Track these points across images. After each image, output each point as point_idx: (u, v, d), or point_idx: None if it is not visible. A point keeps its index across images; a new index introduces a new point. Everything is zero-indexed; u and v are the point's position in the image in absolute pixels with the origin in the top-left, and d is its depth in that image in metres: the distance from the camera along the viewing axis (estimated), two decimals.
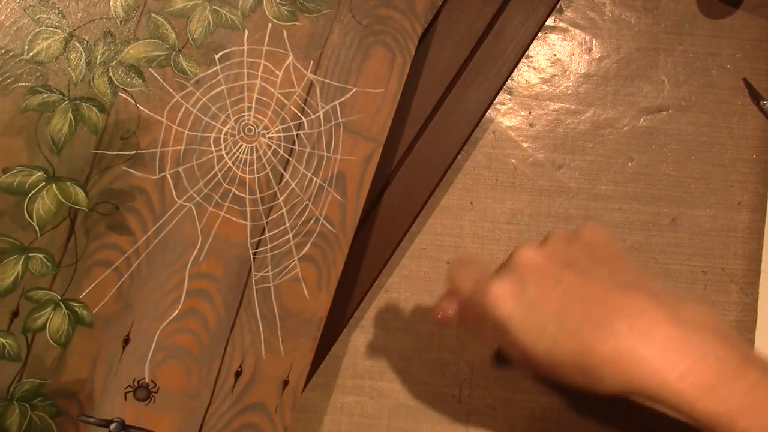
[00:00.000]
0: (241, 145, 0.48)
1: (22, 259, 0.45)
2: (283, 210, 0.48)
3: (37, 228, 0.45)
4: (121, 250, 0.46)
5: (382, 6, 0.49)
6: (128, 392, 0.47)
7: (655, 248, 0.55)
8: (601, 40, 0.56)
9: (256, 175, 0.48)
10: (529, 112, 0.56)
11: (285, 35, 0.48)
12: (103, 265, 0.46)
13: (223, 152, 0.47)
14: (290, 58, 0.48)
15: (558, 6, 0.55)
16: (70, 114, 0.45)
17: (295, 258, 0.48)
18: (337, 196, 0.49)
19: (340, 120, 0.49)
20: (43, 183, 0.45)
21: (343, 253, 0.49)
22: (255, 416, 0.48)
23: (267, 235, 0.48)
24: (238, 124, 0.48)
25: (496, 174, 0.55)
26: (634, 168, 0.55)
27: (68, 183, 0.45)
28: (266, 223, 0.48)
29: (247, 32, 0.47)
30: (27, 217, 0.45)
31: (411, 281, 0.56)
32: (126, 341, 0.47)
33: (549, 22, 0.56)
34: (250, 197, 0.48)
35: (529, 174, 0.55)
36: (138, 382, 0.47)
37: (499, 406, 0.54)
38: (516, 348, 0.33)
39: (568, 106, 0.56)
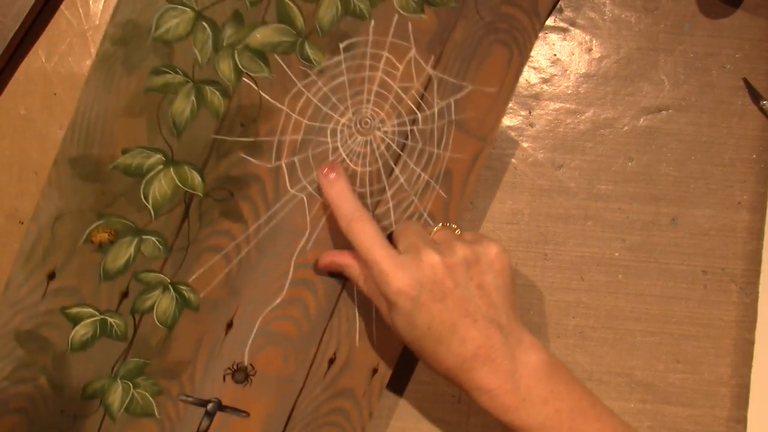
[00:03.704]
0: (356, 138, 0.51)
1: (135, 241, 0.48)
2: (390, 204, 0.52)
3: (152, 211, 0.48)
4: (232, 237, 0.50)
5: (506, 4, 0.51)
6: (227, 374, 0.51)
7: (655, 248, 0.58)
8: (601, 40, 0.59)
9: (367, 168, 0.51)
10: (529, 112, 0.58)
11: (410, 28, 0.50)
12: (213, 250, 0.49)
13: (339, 144, 0.50)
14: (413, 52, 0.51)
15: (558, 6, 0.58)
16: (193, 97, 0.47)
17: None
18: (442, 193, 0.53)
19: (453, 117, 0.52)
20: (161, 166, 0.47)
21: None
22: (344, 401, 0.54)
23: None
24: (355, 116, 0.50)
25: (496, 174, 0.58)
26: (634, 168, 0.58)
27: (186, 167, 0.48)
28: (373, 216, 0.52)
29: (373, 22, 0.50)
30: (143, 200, 0.47)
31: None
32: (229, 326, 0.51)
33: (549, 22, 0.59)
34: (360, 190, 0.51)
35: (529, 174, 0.58)
36: (237, 365, 0.51)
37: None
38: (390, 321, 0.46)
39: (568, 106, 0.58)
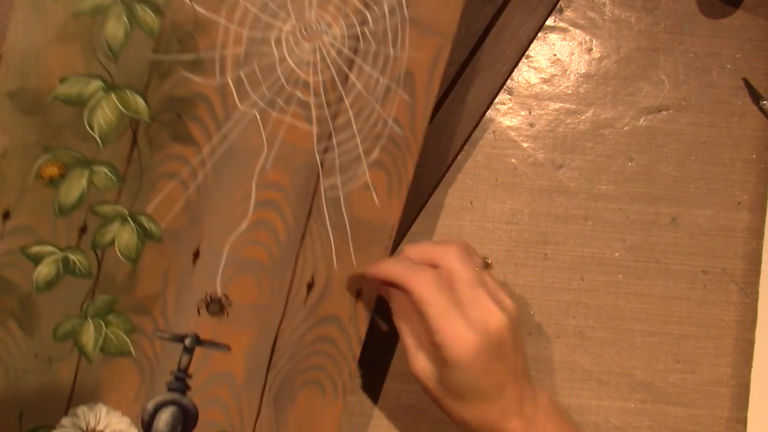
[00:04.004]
0: (303, 46, 0.49)
1: (87, 173, 0.47)
2: (350, 113, 0.50)
3: (99, 140, 0.47)
4: (185, 161, 0.48)
5: None
6: (201, 307, 0.50)
7: (655, 248, 0.59)
8: (601, 40, 0.59)
9: (320, 77, 0.49)
10: (529, 112, 0.59)
11: None
12: (168, 177, 0.48)
13: (285, 53, 0.49)
14: None
15: (558, 6, 0.59)
16: (125, 17, 0.46)
17: (364, 164, 0.50)
18: (406, 97, 0.50)
19: (405, 14, 0.49)
20: (102, 92, 0.47)
21: (413, 158, 0.51)
22: (329, 328, 0.51)
23: (334, 140, 0.50)
24: (299, 22, 0.48)
25: (496, 174, 0.59)
26: (634, 168, 0.59)
27: (127, 91, 0.47)
28: (333, 128, 0.50)
29: None
30: (88, 129, 0.47)
31: None
32: (196, 255, 0.49)
33: (549, 22, 0.59)
34: (315, 101, 0.49)
35: (529, 174, 0.59)
36: (210, 296, 0.50)
37: None
38: (434, 377, 0.46)
39: (568, 106, 0.59)
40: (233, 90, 0.48)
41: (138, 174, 0.48)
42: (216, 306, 0.50)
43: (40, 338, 0.48)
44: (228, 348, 0.50)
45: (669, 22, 0.59)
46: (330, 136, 0.50)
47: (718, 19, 0.59)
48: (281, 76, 0.49)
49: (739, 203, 0.59)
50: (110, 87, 0.47)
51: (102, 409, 0.49)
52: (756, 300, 0.58)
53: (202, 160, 0.49)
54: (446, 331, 0.43)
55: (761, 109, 0.58)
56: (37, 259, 0.47)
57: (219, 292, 0.50)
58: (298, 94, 0.49)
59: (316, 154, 0.50)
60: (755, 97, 0.58)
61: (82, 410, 0.49)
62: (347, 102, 0.50)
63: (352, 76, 0.50)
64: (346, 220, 0.51)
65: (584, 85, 0.59)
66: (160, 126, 0.48)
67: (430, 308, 0.43)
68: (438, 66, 0.50)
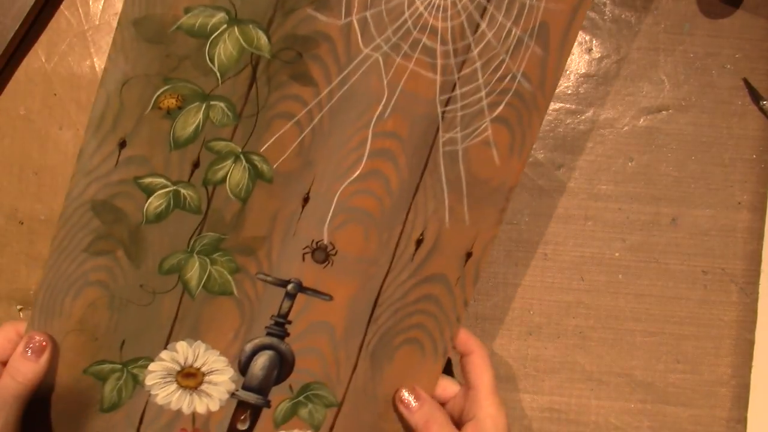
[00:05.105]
0: None
1: (204, 107, 0.47)
2: (477, 64, 0.47)
3: (218, 74, 0.46)
4: (303, 102, 0.47)
5: None
6: (306, 253, 0.49)
7: (655, 248, 0.59)
8: (601, 40, 0.59)
9: (449, 23, 0.47)
10: None
11: None
12: (284, 117, 0.47)
13: None
14: None
15: None
16: None
17: (487, 119, 0.48)
18: (538, 50, 0.47)
19: None
20: (225, 25, 0.46)
21: (540, 116, 0.49)
22: (435, 287, 0.50)
23: (458, 91, 0.48)
24: None
25: None
26: (634, 168, 0.59)
27: (250, 26, 0.46)
28: (458, 78, 0.48)
29: None
30: (208, 62, 0.46)
31: None
32: (306, 200, 0.49)
33: None
34: (442, 48, 0.47)
35: (529, 174, 0.59)
36: (316, 243, 0.49)
37: None
38: None
39: (568, 106, 0.59)
40: (358, 31, 0.47)
41: (254, 112, 0.47)
42: (321, 254, 0.49)
43: (146, 270, 0.48)
44: (330, 297, 0.50)
45: (669, 22, 0.59)
46: (454, 87, 0.48)
47: (718, 19, 0.59)
48: (408, 20, 0.47)
49: (739, 203, 0.59)
50: (234, 20, 0.46)
51: (201, 347, 0.50)
52: (756, 300, 0.58)
53: (319, 102, 0.48)
54: (493, 404, 0.48)
55: (761, 109, 0.58)
56: (149, 191, 0.48)
57: (325, 240, 0.49)
58: (425, 40, 0.47)
59: (438, 105, 0.48)
60: (755, 97, 0.58)
61: (181, 345, 0.50)
62: (475, 52, 0.48)
63: (483, 25, 0.47)
64: (463, 176, 0.49)
65: (584, 85, 0.59)
66: (280, 64, 0.47)
67: (484, 381, 0.49)
68: (576, 19, 0.47)
